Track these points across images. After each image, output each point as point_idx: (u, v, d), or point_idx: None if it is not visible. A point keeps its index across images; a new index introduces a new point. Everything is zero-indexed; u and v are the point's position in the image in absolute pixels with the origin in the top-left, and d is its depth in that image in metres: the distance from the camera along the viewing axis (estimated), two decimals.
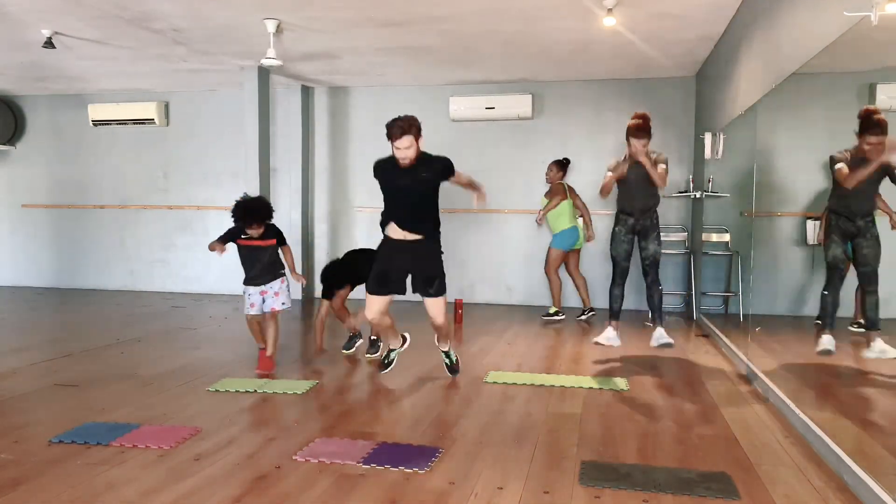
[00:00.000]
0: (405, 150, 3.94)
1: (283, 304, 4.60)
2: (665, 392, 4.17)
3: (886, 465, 2.86)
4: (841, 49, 3.15)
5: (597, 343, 5.22)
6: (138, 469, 2.85)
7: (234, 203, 4.46)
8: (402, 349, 4.54)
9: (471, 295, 8.14)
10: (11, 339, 5.82)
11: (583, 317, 7.00)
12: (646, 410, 3.77)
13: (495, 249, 8.09)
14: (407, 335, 4.60)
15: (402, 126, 3.91)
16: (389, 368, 4.44)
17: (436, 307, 4.09)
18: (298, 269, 8.41)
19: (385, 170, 4.17)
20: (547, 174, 7.03)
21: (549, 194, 6.97)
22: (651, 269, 5.17)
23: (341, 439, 3.23)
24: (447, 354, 4.48)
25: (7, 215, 9.48)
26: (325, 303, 5.09)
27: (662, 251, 5.24)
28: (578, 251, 7.14)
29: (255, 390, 4.08)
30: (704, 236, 6.83)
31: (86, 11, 5.44)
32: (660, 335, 5.22)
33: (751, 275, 5.45)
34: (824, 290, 3.86)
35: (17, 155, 9.41)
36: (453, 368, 4.46)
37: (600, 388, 4.22)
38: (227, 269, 8.64)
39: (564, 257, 7.01)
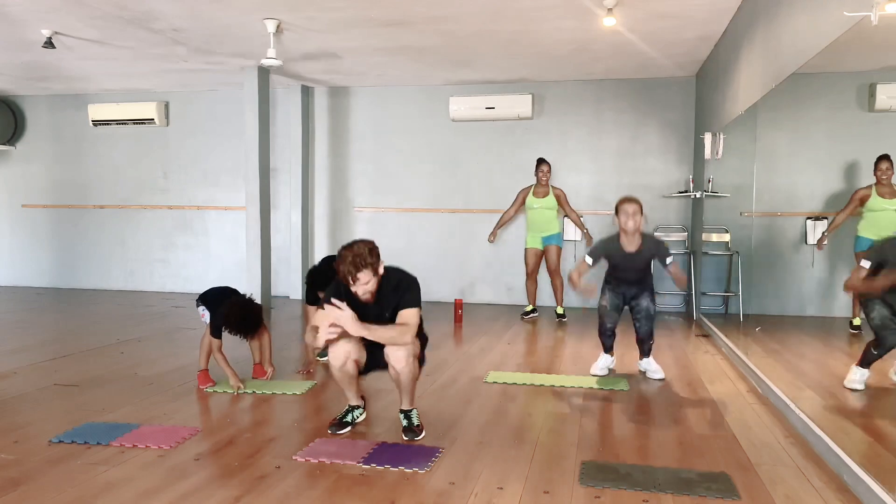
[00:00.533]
0: (364, 286, 3.11)
1: None
2: (665, 392, 4.17)
3: (886, 464, 2.87)
4: (841, 49, 3.15)
5: (594, 374, 4.52)
6: (138, 469, 2.85)
7: (223, 313, 4.00)
8: (362, 417, 3.50)
9: (471, 295, 8.14)
10: (11, 339, 5.82)
11: (528, 316, 7.07)
12: (646, 410, 3.77)
13: (495, 249, 8.09)
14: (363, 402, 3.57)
15: (357, 261, 3.06)
16: (345, 430, 3.36)
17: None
18: (297, 278, 8.47)
19: (336, 296, 3.17)
20: (544, 175, 6.89)
21: (559, 199, 6.89)
22: (644, 323, 4.48)
23: (341, 439, 3.23)
24: (407, 414, 3.36)
25: (7, 215, 9.48)
26: (313, 309, 4.69)
27: (657, 308, 4.52)
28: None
29: (254, 391, 4.08)
30: (704, 236, 6.83)
31: (86, 11, 5.45)
32: (654, 366, 4.53)
33: (751, 275, 5.45)
34: (874, 349, 3.54)
35: (17, 155, 9.41)
36: (412, 430, 3.29)
37: (600, 388, 4.22)
38: (226, 270, 8.65)
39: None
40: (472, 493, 2.63)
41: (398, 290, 3.20)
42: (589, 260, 4.41)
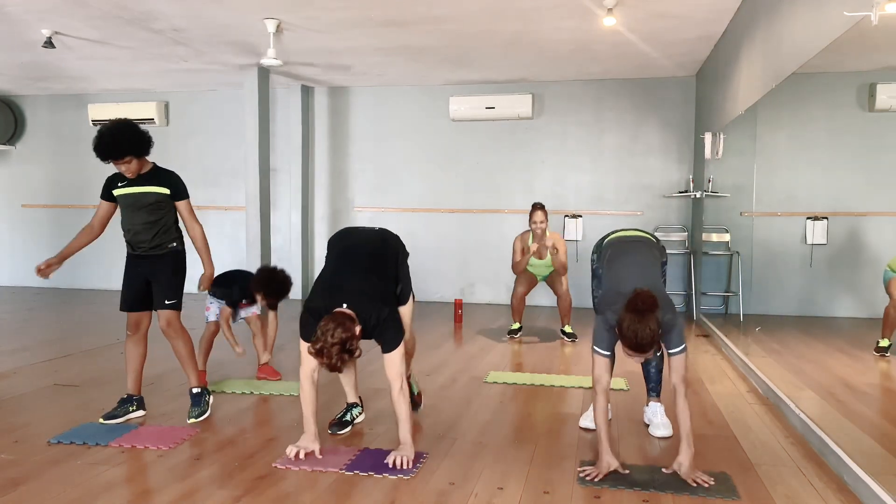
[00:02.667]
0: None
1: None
2: (665, 392, 4.16)
3: (886, 464, 2.86)
4: (841, 49, 3.15)
5: (584, 427, 3.46)
6: (138, 469, 2.85)
7: (256, 278, 4.20)
8: (361, 416, 3.58)
9: (471, 295, 8.14)
10: (11, 339, 5.82)
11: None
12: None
13: (495, 249, 8.09)
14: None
15: (344, 354, 2.83)
16: (346, 429, 3.42)
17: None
18: (297, 279, 8.46)
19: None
20: (538, 227, 5.68)
21: (559, 255, 5.71)
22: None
23: (323, 446, 3.11)
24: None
25: (7, 215, 9.47)
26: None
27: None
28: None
29: (253, 392, 4.08)
30: (704, 236, 6.83)
31: (86, 11, 5.44)
32: (661, 418, 3.45)
33: (751, 275, 5.45)
34: None
35: (17, 155, 9.41)
36: (414, 399, 3.58)
37: None
38: (226, 269, 8.63)
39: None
40: (472, 493, 2.62)
41: (374, 329, 2.99)
42: (604, 353, 2.98)
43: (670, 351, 2.89)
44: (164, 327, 3.56)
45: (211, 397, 3.70)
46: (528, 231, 5.82)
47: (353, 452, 3.06)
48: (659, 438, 3.34)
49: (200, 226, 3.62)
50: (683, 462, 2.77)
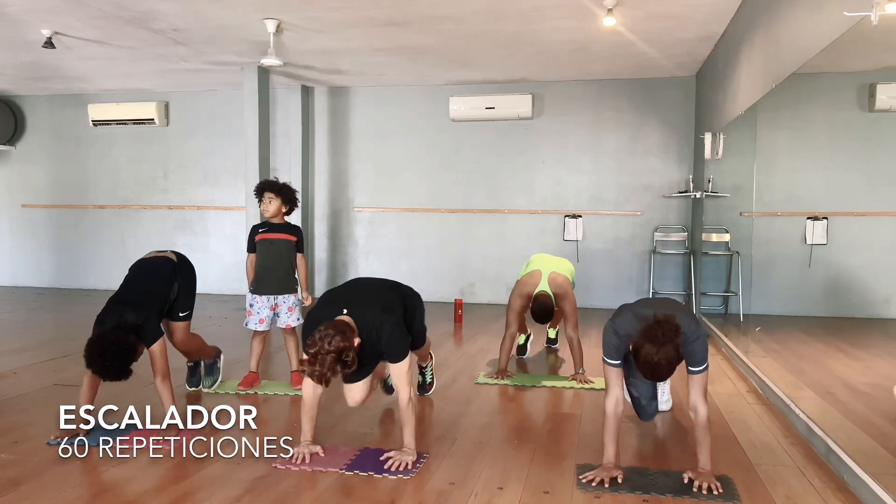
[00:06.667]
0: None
1: (297, 319, 4.14)
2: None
3: (886, 464, 2.87)
4: (841, 49, 3.15)
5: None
6: (138, 469, 2.85)
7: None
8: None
9: (471, 295, 8.14)
10: (11, 339, 5.82)
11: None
12: None
13: (495, 249, 8.09)
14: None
15: (342, 363, 2.74)
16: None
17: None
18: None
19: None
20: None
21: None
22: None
23: (323, 445, 3.12)
24: (421, 371, 3.92)
25: (7, 215, 9.47)
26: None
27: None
28: None
29: (256, 392, 4.08)
30: (704, 236, 6.83)
31: (86, 11, 5.44)
32: (663, 395, 3.64)
33: (751, 275, 5.46)
34: None
35: (17, 155, 9.40)
36: (425, 388, 3.94)
37: (600, 389, 4.21)
38: (226, 270, 8.65)
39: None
40: (472, 493, 2.63)
41: (378, 342, 2.92)
42: (614, 362, 2.91)
43: (690, 369, 2.75)
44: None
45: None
46: (530, 293, 4.40)
47: (353, 452, 3.06)
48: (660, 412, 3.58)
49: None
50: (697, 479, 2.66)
